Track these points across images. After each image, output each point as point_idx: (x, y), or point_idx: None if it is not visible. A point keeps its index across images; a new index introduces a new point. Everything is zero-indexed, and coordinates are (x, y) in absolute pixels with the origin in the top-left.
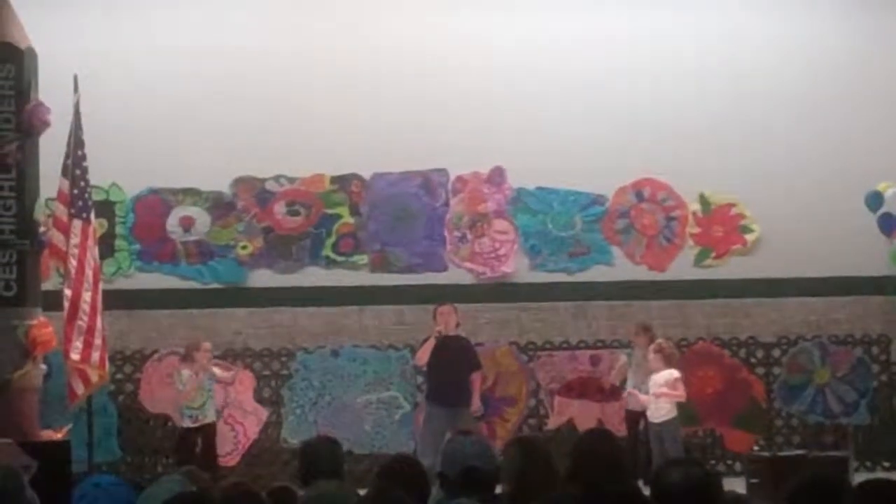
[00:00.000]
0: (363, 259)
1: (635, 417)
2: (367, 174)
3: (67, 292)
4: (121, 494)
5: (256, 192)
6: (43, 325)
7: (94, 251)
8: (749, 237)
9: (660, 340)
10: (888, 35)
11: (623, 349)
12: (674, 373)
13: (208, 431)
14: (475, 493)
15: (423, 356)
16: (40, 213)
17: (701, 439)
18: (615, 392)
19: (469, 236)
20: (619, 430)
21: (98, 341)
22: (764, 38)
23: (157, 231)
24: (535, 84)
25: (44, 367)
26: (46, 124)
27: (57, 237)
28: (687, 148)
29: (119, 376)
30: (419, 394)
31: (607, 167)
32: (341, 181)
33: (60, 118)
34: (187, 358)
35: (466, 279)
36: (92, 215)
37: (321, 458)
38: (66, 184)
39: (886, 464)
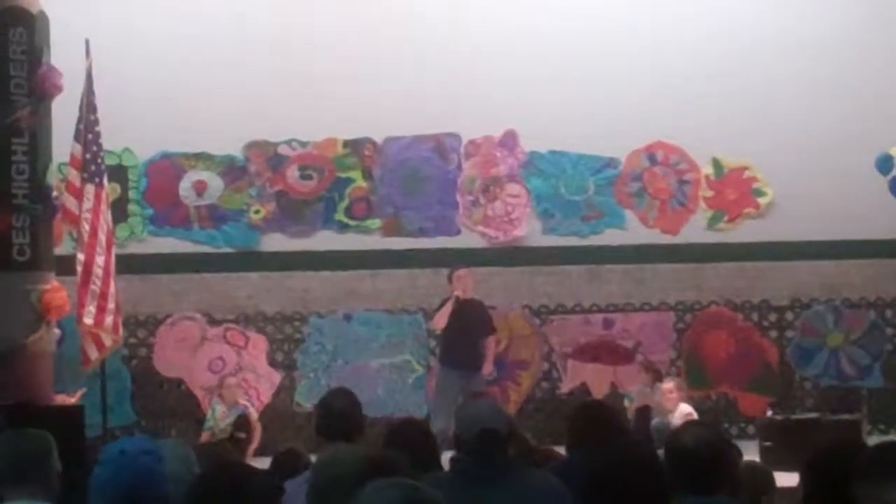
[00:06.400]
0: (376, 223)
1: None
2: (379, 138)
3: (80, 257)
4: (145, 465)
5: (269, 156)
6: (56, 290)
7: (106, 216)
8: (762, 200)
9: (677, 379)
10: None
11: (637, 311)
12: (688, 408)
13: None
14: (489, 455)
15: (441, 320)
16: (53, 178)
17: (714, 403)
18: (628, 355)
19: (482, 200)
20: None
21: (111, 306)
22: (776, 0)
23: (169, 196)
24: (548, 48)
25: (57, 331)
26: (59, 89)
27: (70, 202)
28: (699, 111)
29: (132, 340)
30: (432, 357)
31: (620, 130)
32: (354, 145)
33: (72, 83)
34: (217, 393)
35: (479, 243)
36: (105, 180)
37: (336, 412)
38: (78, 148)
39: None
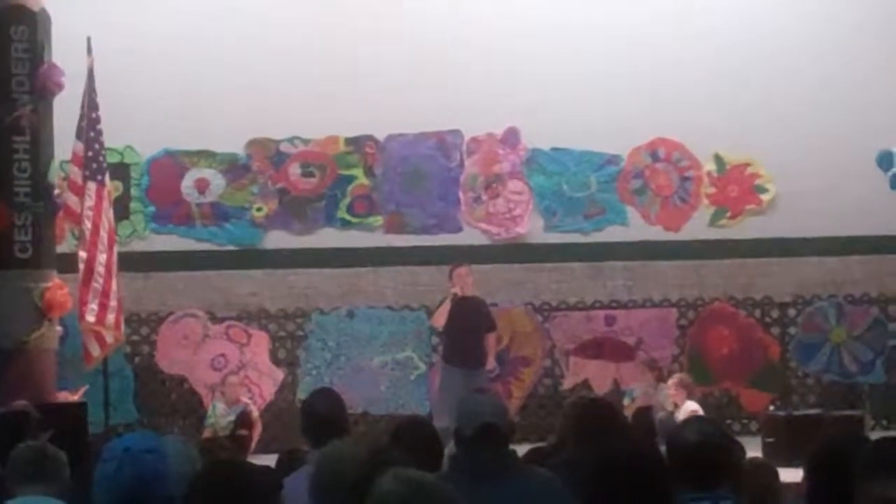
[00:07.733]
0: (378, 220)
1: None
2: (381, 135)
3: (82, 254)
4: (148, 463)
5: (271, 153)
6: (58, 288)
7: (108, 213)
8: (764, 197)
9: (681, 375)
10: None
11: (639, 308)
12: (693, 405)
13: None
14: (489, 449)
15: (441, 318)
16: (55, 176)
17: (716, 399)
18: (631, 351)
19: (484, 197)
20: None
21: (113, 303)
22: None
23: (171, 193)
24: (550, 45)
25: (60, 329)
26: (60, 87)
27: (72, 199)
28: (701, 107)
29: (135, 338)
30: (434, 354)
31: (622, 127)
32: (355, 142)
33: (74, 81)
34: (219, 391)
35: (481, 240)
36: (106, 177)
37: (319, 414)
38: (80, 146)
39: None
